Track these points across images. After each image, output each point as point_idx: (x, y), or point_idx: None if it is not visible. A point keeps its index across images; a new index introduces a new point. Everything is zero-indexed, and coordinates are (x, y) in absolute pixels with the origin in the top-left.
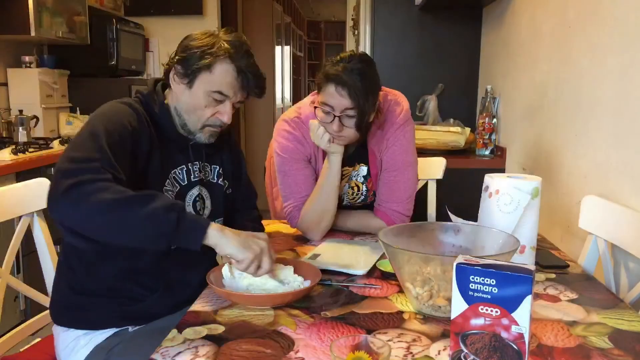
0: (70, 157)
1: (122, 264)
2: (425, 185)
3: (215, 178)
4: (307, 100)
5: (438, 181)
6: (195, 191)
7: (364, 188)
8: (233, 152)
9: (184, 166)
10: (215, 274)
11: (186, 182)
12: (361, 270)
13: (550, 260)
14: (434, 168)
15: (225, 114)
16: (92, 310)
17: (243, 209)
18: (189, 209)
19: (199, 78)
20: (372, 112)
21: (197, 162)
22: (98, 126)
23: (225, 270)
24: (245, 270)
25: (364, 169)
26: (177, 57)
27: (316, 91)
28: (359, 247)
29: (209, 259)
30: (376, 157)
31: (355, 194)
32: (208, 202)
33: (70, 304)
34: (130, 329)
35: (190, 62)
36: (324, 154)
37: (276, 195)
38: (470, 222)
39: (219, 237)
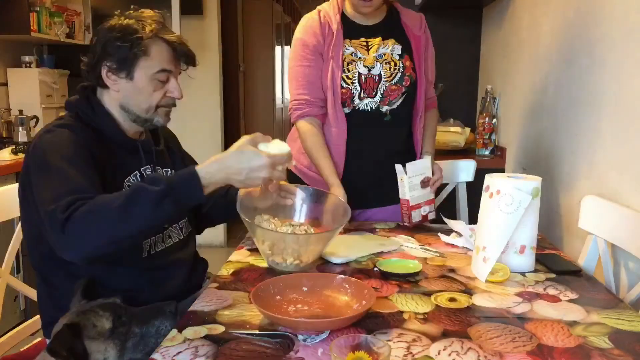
0: (47, 198)
1: (104, 270)
2: (454, 189)
3: None
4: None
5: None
6: None
7: (401, 65)
8: (181, 152)
9: (136, 172)
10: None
11: None
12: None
13: (562, 265)
14: (463, 171)
15: (175, 90)
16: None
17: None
18: None
19: (139, 65)
20: None
21: (149, 166)
22: (56, 162)
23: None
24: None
25: (398, 48)
26: (101, 55)
27: None
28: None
29: (188, 249)
30: (417, 36)
31: (392, 70)
32: None
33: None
34: None
35: (121, 53)
36: (335, 34)
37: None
38: (469, 226)
39: (214, 176)
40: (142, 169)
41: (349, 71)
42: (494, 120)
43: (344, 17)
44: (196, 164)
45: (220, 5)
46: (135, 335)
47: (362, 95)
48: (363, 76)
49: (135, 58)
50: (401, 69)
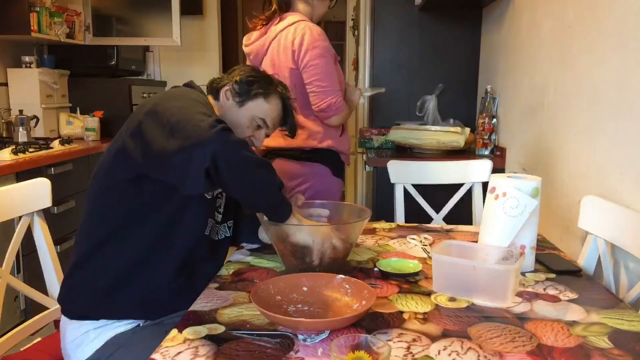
0: (198, 111)
1: (156, 243)
2: (470, 189)
3: None
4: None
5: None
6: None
7: None
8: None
9: None
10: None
11: None
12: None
13: (562, 265)
14: (479, 171)
15: (259, 140)
16: (110, 298)
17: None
18: (210, 203)
19: (254, 101)
20: None
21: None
22: (196, 97)
23: None
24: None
25: None
26: (236, 77)
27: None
28: None
29: (225, 252)
30: None
31: None
32: (222, 207)
33: (85, 293)
34: (142, 323)
35: (250, 85)
36: None
37: None
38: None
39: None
40: None
41: None
42: (494, 120)
43: None
44: None
45: (220, 5)
46: None
47: None
48: None
49: (256, 95)
50: None
